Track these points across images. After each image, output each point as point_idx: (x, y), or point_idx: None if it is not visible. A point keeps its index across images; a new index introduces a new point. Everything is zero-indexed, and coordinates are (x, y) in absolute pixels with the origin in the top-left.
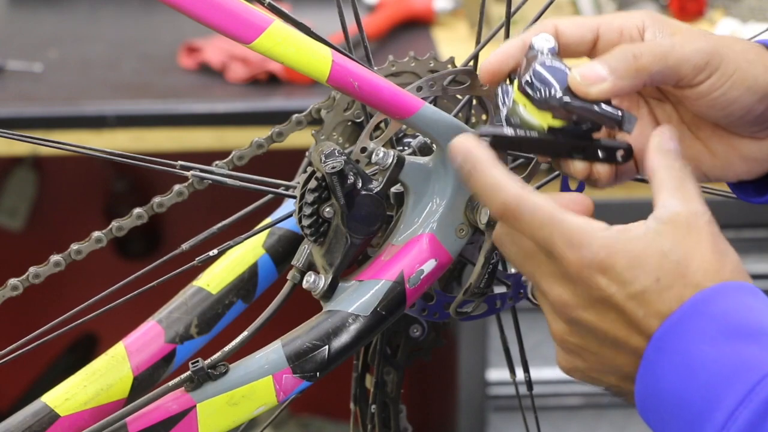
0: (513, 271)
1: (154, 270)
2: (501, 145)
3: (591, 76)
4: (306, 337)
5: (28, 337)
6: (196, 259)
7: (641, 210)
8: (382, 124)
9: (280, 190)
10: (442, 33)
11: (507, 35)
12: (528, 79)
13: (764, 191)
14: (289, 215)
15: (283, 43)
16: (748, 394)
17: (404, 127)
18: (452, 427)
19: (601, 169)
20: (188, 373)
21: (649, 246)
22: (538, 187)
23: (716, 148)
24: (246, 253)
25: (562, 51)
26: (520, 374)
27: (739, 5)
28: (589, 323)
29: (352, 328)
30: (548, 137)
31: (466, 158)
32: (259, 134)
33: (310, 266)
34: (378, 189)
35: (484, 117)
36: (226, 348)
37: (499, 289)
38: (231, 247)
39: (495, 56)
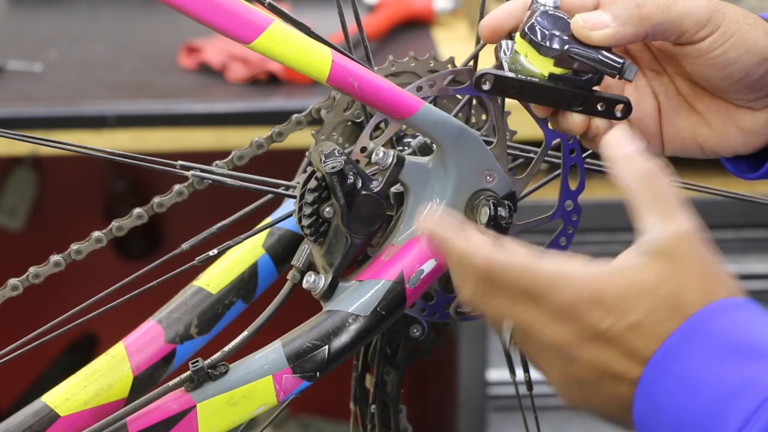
0: None
1: (154, 270)
2: (501, 89)
3: (594, 21)
4: (306, 337)
5: (28, 337)
6: (196, 259)
7: None
8: (382, 124)
9: (280, 190)
10: (442, 33)
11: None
12: (531, 24)
13: (758, 167)
14: (289, 215)
15: (283, 43)
16: (752, 416)
17: (404, 127)
18: (452, 427)
19: (599, 124)
20: (188, 373)
21: (636, 279)
22: (538, 188)
23: (713, 120)
24: (246, 253)
25: (566, 10)
26: (520, 374)
27: (739, 5)
28: (589, 359)
29: (352, 328)
30: (548, 83)
31: (433, 240)
32: (259, 134)
33: (310, 266)
34: (378, 189)
35: (484, 117)
36: (226, 348)
37: None
38: (231, 247)
39: (497, 12)
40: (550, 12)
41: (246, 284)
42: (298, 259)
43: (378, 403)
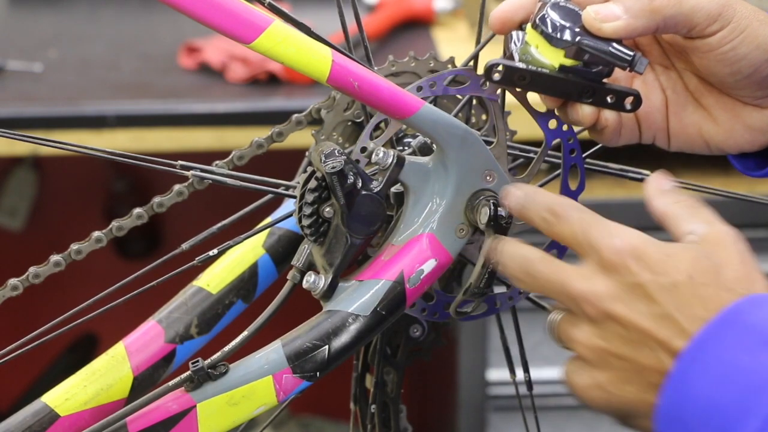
0: None
1: (154, 270)
2: (511, 79)
3: (605, 13)
4: (306, 337)
5: (28, 337)
6: (196, 259)
7: (641, 210)
8: (382, 124)
9: (280, 190)
10: (442, 33)
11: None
12: (543, 15)
13: (765, 164)
14: (289, 215)
15: (283, 43)
16: None
17: (404, 127)
18: (452, 427)
19: (609, 116)
20: (188, 373)
21: (682, 249)
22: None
23: (720, 116)
24: (246, 253)
25: (576, 3)
26: (520, 374)
27: None
28: (620, 316)
29: (352, 328)
30: (559, 75)
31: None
32: (259, 134)
33: (310, 266)
34: (378, 189)
35: (484, 117)
36: (226, 348)
37: (499, 289)
38: (231, 247)
39: (508, 4)
40: (561, 4)
41: (246, 284)
42: (298, 259)
43: (378, 403)
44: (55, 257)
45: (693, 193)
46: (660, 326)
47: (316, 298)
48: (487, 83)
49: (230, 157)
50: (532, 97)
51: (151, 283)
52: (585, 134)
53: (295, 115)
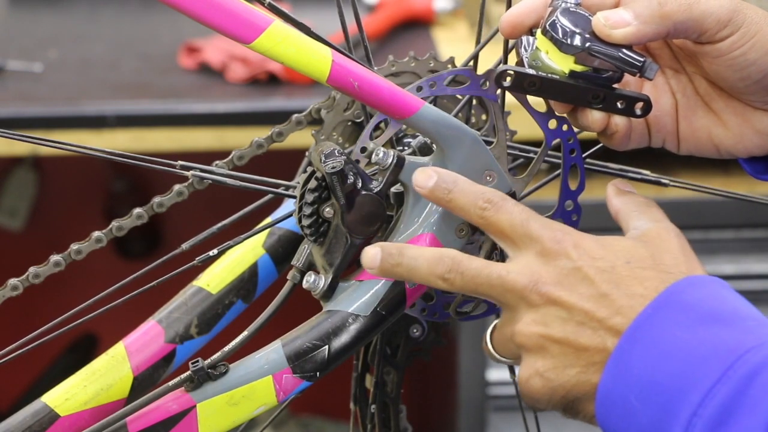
0: None
1: (154, 270)
2: (521, 85)
3: (615, 19)
4: (306, 337)
5: (28, 337)
6: (196, 259)
7: None
8: (382, 124)
9: (280, 190)
10: (442, 33)
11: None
12: (553, 21)
13: None
14: (289, 215)
15: (283, 43)
16: (726, 371)
17: (404, 127)
18: (452, 427)
19: (619, 122)
20: (188, 373)
21: (620, 240)
22: (538, 188)
23: (729, 120)
24: (246, 253)
25: (586, 8)
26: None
27: None
28: (561, 299)
29: (352, 328)
30: (569, 80)
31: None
32: (259, 134)
33: (310, 266)
34: (378, 189)
35: (484, 117)
36: (226, 348)
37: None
38: (231, 247)
39: (518, 8)
40: (571, 9)
41: (246, 284)
42: (298, 259)
43: (378, 403)
44: (55, 257)
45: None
46: (600, 305)
47: (316, 298)
48: (487, 83)
49: (230, 157)
50: (532, 97)
51: (151, 283)
52: (585, 134)
53: (295, 115)
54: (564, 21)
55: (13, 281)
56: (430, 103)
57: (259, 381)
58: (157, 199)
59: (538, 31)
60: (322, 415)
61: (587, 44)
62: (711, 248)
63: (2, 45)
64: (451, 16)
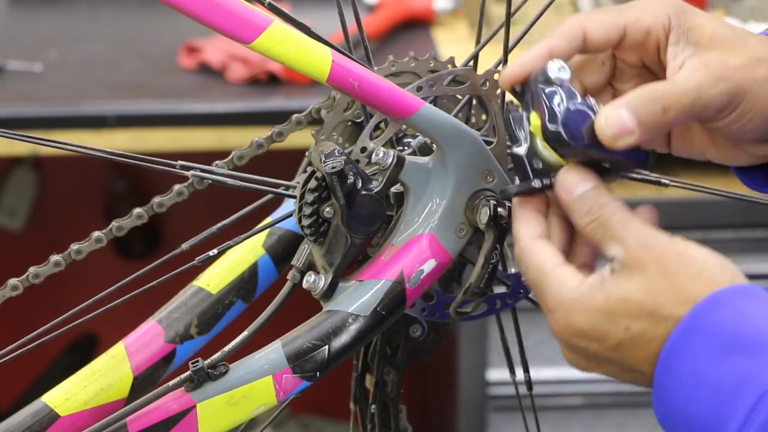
0: (513, 271)
1: (154, 270)
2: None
3: (618, 128)
4: (306, 337)
5: (28, 337)
6: (196, 259)
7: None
8: (382, 124)
9: (280, 190)
10: (442, 33)
11: (507, 35)
12: (551, 129)
13: None
14: (289, 215)
15: (283, 43)
16: (750, 413)
17: (404, 127)
18: (452, 427)
19: None
20: (188, 373)
21: (608, 298)
22: None
23: (723, 144)
24: (246, 253)
25: (588, 49)
26: (520, 374)
27: (739, 5)
28: (600, 372)
29: (352, 328)
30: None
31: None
32: (259, 134)
33: (310, 266)
34: (378, 189)
35: (484, 117)
36: (226, 348)
37: (499, 289)
38: (231, 247)
39: (519, 66)
40: (571, 108)
41: (246, 284)
42: (298, 259)
43: (378, 403)
44: (55, 257)
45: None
46: (632, 373)
47: (316, 298)
48: (487, 83)
49: (230, 157)
50: None
51: (151, 283)
52: None
53: (295, 115)
54: (562, 127)
55: (13, 281)
56: (430, 103)
57: (259, 381)
58: (157, 199)
59: (532, 119)
60: (322, 415)
61: (587, 150)
62: (711, 248)
63: (2, 45)
64: (451, 16)
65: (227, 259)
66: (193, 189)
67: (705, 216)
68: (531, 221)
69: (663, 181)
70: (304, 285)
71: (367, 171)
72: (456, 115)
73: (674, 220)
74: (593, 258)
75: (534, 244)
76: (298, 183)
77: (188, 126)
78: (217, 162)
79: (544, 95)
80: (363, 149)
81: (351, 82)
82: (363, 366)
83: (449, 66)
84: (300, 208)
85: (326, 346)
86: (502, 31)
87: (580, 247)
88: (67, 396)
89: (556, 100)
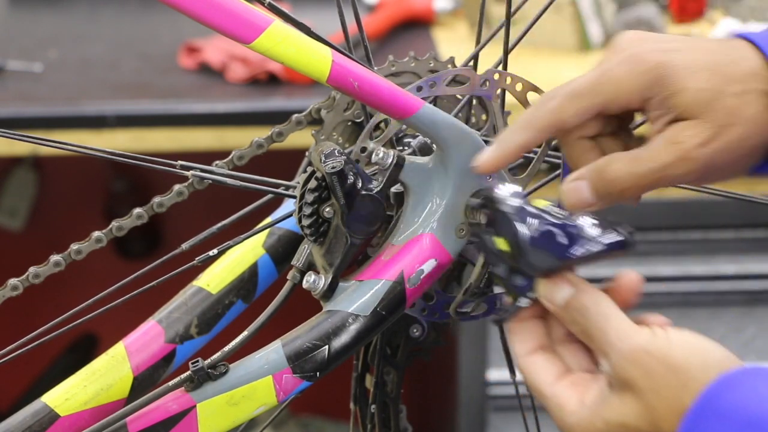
0: None
1: (154, 270)
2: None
3: (575, 200)
4: (306, 337)
5: (28, 337)
6: (196, 259)
7: (639, 209)
8: (382, 124)
9: (280, 190)
10: (442, 33)
11: (507, 35)
12: (520, 262)
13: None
14: (289, 215)
15: (283, 43)
16: None
17: (404, 127)
18: (452, 427)
19: None
20: (188, 373)
21: (607, 424)
22: (538, 188)
23: None
24: (246, 253)
25: (563, 133)
26: (520, 374)
27: (739, 5)
28: None
29: (352, 328)
30: None
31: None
32: (259, 134)
33: (310, 266)
34: (378, 189)
35: (484, 117)
36: (226, 348)
37: (499, 289)
38: (231, 247)
39: (494, 159)
40: (535, 237)
41: (246, 284)
42: (298, 259)
43: (378, 403)
44: (55, 257)
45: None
46: None
47: (316, 298)
48: (487, 83)
49: (230, 157)
50: (533, 97)
51: (151, 283)
52: None
53: (295, 115)
54: (525, 257)
55: (13, 281)
56: (430, 103)
57: (259, 381)
58: (157, 199)
59: (499, 240)
60: (322, 415)
61: (565, 261)
62: (711, 248)
63: (2, 45)
64: (451, 16)
65: (227, 259)
66: (193, 189)
67: (705, 216)
68: (524, 334)
69: None
70: (304, 285)
71: (367, 171)
72: (456, 115)
73: (674, 220)
74: None
75: (529, 362)
76: (298, 183)
77: (188, 126)
78: (217, 162)
79: (502, 224)
80: (363, 149)
81: (351, 82)
82: (363, 366)
83: (449, 66)
84: (300, 208)
85: (326, 346)
86: (502, 31)
87: None
88: (67, 396)
89: (514, 229)
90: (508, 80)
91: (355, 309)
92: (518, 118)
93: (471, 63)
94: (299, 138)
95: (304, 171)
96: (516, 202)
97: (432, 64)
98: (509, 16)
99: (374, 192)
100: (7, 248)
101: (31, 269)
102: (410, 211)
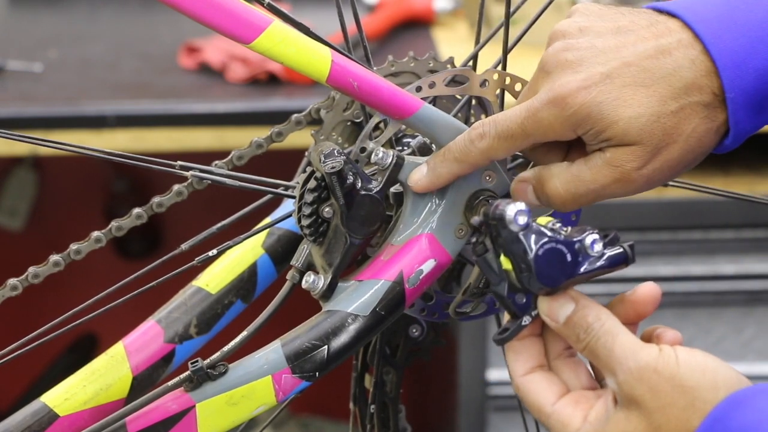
0: None
1: (153, 270)
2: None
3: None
4: (305, 337)
5: (28, 337)
6: (196, 259)
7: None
8: (382, 124)
9: (279, 190)
10: (442, 33)
11: (506, 35)
12: (525, 281)
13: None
14: (289, 215)
15: (283, 43)
16: None
17: (404, 127)
18: (452, 427)
19: None
20: (187, 373)
21: None
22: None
23: None
24: (245, 253)
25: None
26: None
27: None
28: None
29: (352, 328)
30: None
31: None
32: (258, 134)
33: (309, 266)
34: (377, 189)
35: (483, 117)
36: (226, 348)
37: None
38: (230, 247)
39: (429, 184)
40: (531, 248)
41: (245, 284)
42: (298, 259)
43: (377, 403)
44: (54, 257)
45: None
46: None
47: (315, 298)
48: (486, 83)
49: (230, 157)
50: None
51: (151, 283)
52: None
53: (295, 115)
54: (530, 274)
55: (12, 281)
56: (430, 103)
57: (259, 381)
58: (156, 199)
59: (502, 259)
60: (322, 415)
61: (568, 282)
62: (711, 248)
63: (2, 45)
64: (451, 16)
65: (227, 259)
66: (192, 189)
67: (705, 216)
68: (522, 353)
69: None
70: (304, 285)
71: (367, 171)
72: (455, 115)
73: (674, 220)
74: None
75: (527, 383)
76: (298, 183)
77: (188, 126)
78: (217, 162)
79: (508, 243)
80: (362, 149)
81: (350, 82)
82: (362, 366)
83: (449, 66)
84: (299, 208)
85: (325, 346)
86: (502, 31)
87: None
88: (66, 396)
89: (521, 247)
90: (508, 80)
91: (355, 309)
92: (450, 147)
93: (470, 63)
94: (299, 138)
95: (304, 171)
96: (522, 221)
97: (431, 64)
98: (509, 16)
99: (374, 192)
100: (7, 248)
101: (31, 269)
102: (409, 212)
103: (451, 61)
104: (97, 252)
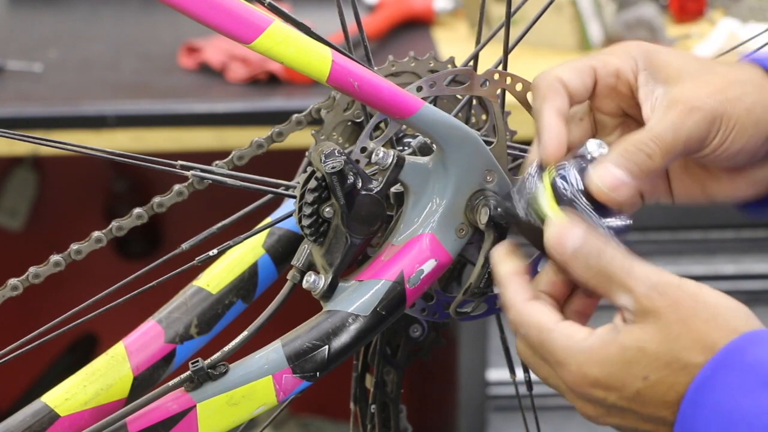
0: None
1: (154, 270)
2: (506, 223)
3: (611, 182)
4: (306, 337)
5: (28, 337)
6: (196, 259)
7: (643, 209)
8: (382, 124)
9: (280, 190)
10: (442, 33)
11: (507, 35)
12: (562, 180)
13: None
14: (289, 215)
15: (283, 43)
16: None
17: (404, 127)
18: (452, 427)
19: None
20: (188, 373)
21: (624, 348)
22: None
23: (722, 176)
24: (246, 253)
25: (570, 99)
26: (520, 374)
27: (739, 5)
28: (616, 424)
29: (352, 328)
30: None
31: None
32: (259, 134)
33: (310, 266)
34: (378, 189)
35: (484, 117)
36: (226, 348)
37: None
38: (231, 247)
39: (556, 148)
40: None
41: (246, 284)
42: (298, 259)
43: (378, 403)
44: (55, 257)
45: None
46: (651, 424)
47: (316, 298)
48: (487, 83)
49: (230, 157)
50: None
51: (151, 283)
52: None
53: (295, 115)
54: (562, 183)
55: (13, 281)
56: (430, 103)
57: (259, 381)
58: (157, 199)
59: (546, 174)
60: (322, 415)
61: (579, 206)
62: (711, 248)
63: (2, 45)
64: (451, 16)
65: (227, 259)
66: (193, 189)
67: (705, 216)
68: (520, 286)
69: None
70: (304, 285)
71: (367, 171)
72: (456, 115)
73: (674, 220)
74: (591, 307)
75: (529, 305)
76: (298, 183)
77: (188, 126)
78: (217, 162)
79: (575, 160)
80: (363, 149)
81: (351, 82)
82: (363, 366)
83: (449, 66)
84: (300, 208)
85: (326, 346)
86: (502, 31)
87: (574, 299)
88: (67, 396)
89: (577, 167)
90: (508, 80)
91: (355, 309)
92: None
93: (471, 63)
94: (299, 138)
95: (304, 171)
96: (604, 150)
97: (432, 64)
98: (509, 16)
99: (374, 192)
100: (7, 248)
101: (31, 269)
102: (410, 211)
103: (451, 61)
104: (97, 252)
